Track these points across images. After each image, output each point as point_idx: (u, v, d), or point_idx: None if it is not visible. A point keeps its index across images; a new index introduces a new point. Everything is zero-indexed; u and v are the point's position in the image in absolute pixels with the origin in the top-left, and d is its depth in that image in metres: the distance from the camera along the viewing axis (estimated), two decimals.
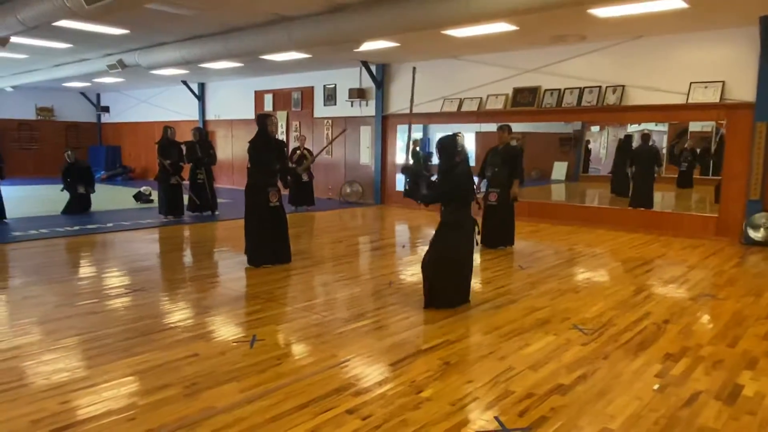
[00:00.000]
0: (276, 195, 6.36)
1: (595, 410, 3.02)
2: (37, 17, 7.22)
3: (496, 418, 2.92)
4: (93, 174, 10.88)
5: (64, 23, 8.37)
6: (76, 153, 11.16)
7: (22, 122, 19.47)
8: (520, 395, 3.18)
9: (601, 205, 10.75)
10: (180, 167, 10.25)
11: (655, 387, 3.33)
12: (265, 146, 6.38)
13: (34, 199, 12.72)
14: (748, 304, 5.11)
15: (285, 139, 14.93)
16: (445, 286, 4.78)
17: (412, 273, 6.32)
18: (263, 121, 6.42)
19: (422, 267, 4.85)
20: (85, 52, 11.63)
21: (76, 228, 8.93)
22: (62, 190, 10.62)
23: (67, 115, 20.42)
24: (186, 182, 10.43)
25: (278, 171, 6.43)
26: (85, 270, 6.44)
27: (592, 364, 3.67)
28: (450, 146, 4.81)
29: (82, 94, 20.33)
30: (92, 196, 10.92)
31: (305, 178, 11.56)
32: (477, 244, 4.96)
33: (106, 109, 20.66)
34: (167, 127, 10.43)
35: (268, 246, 6.33)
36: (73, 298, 5.09)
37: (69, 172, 10.61)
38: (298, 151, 11.59)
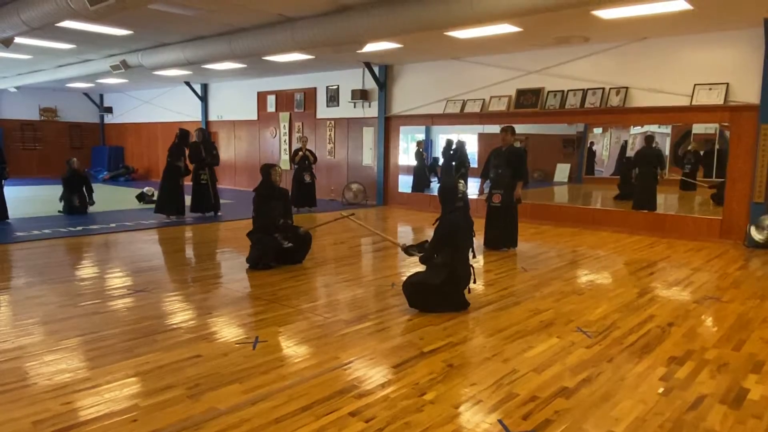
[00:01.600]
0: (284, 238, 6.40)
1: (600, 414, 3.00)
2: (40, 18, 7.23)
3: (499, 421, 2.90)
4: (91, 185, 10.84)
5: (67, 24, 8.38)
6: (79, 162, 11.14)
7: (26, 122, 19.51)
8: (524, 398, 3.16)
9: (604, 207, 10.72)
10: (188, 169, 10.36)
11: (660, 390, 3.31)
12: (269, 196, 6.43)
13: (37, 199, 12.73)
14: (753, 307, 5.08)
15: (288, 141, 14.96)
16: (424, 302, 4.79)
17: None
18: (267, 170, 6.50)
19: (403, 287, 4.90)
20: (89, 52, 11.66)
21: (79, 228, 8.93)
22: (61, 200, 10.57)
23: (71, 116, 20.47)
24: (188, 183, 10.45)
25: (281, 225, 6.42)
26: (88, 270, 6.44)
27: (597, 367, 3.65)
28: (450, 192, 4.84)
29: (86, 94, 20.37)
30: (94, 196, 10.90)
31: (308, 179, 11.56)
32: (468, 291, 4.90)
33: (109, 110, 20.71)
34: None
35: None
36: (76, 298, 5.08)
37: (69, 180, 10.58)
38: (300, 153, 11.59)
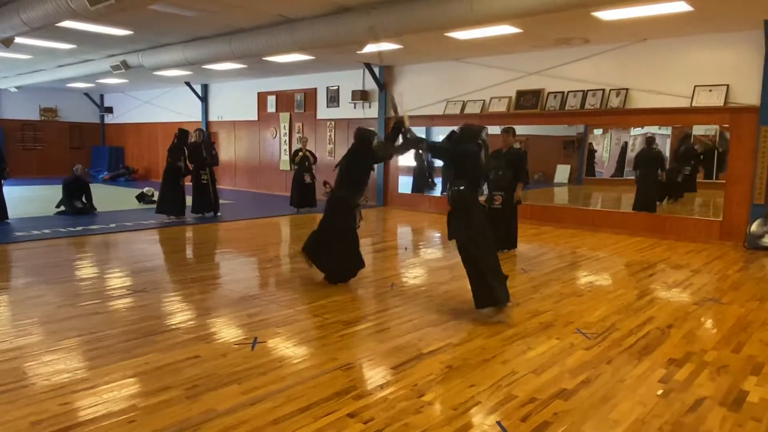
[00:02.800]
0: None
1: (599, 415, 3.00)
2: (41, 18, 7.24)
3: (498, 422, 2.89)
4: (91, 193, 10.83)
5: (67, 24, 8.38)
6: (83, 169, 11.14)
7: (26, 122, 19.52)
8: (523, 400, 3.16)
9: (604, 209, 10.72)
10: (188, 169, 10.34)
11: (659, 392, 3.30)
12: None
13: (37, 199, 12.73)
14: (753, 309, 5.08)
15: (288, 141, 14.95)
16: None
17: (414, 275, 6.30)
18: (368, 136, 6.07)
19: None
20: (89, 52, 11.66)
21: (79, 228, 8.93)
22: (57, 206, 10.50)
23: (71, 116, 20.48)
24: (188, 184, 10.45)
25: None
26: (87, 270, 6.44)
27: (596, 368, 3.64)
28: (473, 132, 4.74)
29: (86, 94, 20.38)
30: (94, 196, 10.89)
31: (308, 180, 11.56)
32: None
33: (110, 110, 20.72)
34: (187, 130, 10.54)
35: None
36: (75, 298, 5.08)
37: (69, 185, 10.56)
38: (300, 153, 11.58)
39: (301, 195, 11.56)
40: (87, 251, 7.57)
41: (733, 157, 8.49)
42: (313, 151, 12.22)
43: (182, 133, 10.31)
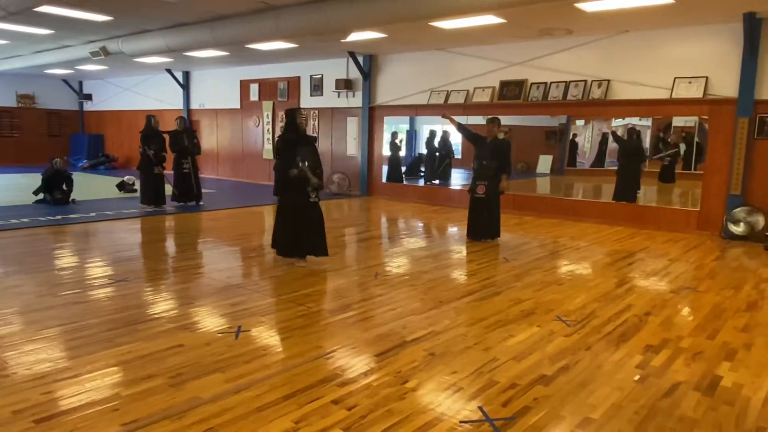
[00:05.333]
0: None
1: (577, 400, 3.06)
2: (18, 2, 7.10)
3: (480, 408, 2.95)
4: (73, 184, 10.65)
5: (45, 9, 8.21)
6: (63, 161, 10.94)
7: (3, 109, 19.10)
8: (504, 386, 3.22)
9: (585, 199, 10.84)
10: (163, 157, 10.17)
11: (636, 378, 3.38)
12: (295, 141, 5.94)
13: (14, 187, 12.51)
14: (728, 297, 5.20)
15: (271, 130, 14.85)
16: None
17: (398, 265, 6.34)
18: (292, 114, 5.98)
19: None
20: (68, 38, 11.44)
21: (58, 217, 8.81)
22: (35, 193, 10.31)
23: (49, 103, 20.08)
24: (169, 172, 10.34)
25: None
26: (68, 260, 6.37)
27: (575, 355, 3.72)
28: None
29: (65, 81, 19.99)
30: (73, 185, 10.74)
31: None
32: None
33: (89, 97, 20.35)
34: (150, 116, 10.35)
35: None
36: (56, 288, 5.03)
37: (50, 179, 10.37)
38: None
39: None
40: (67, 240, 7.48)
41: (711, 148, 8.63)
42: None
43: (147, 120, 10.21)
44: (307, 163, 5.76)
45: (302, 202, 5.89)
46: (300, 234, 5.91)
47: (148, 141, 10.04)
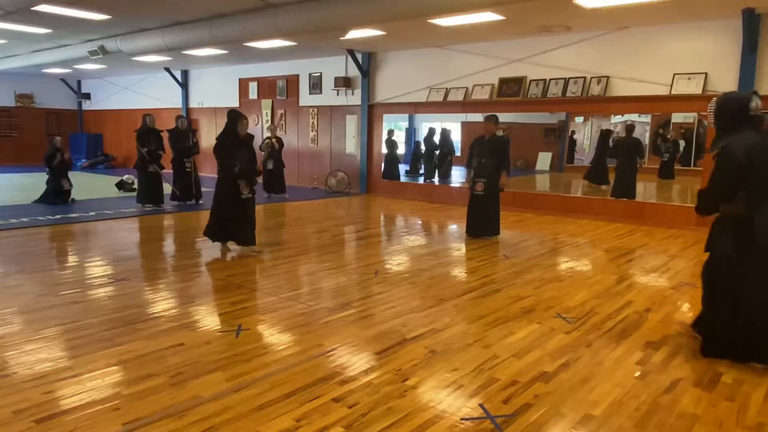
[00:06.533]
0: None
1: (578, 397, 3.07)
2: (16, 1, 7.08)
3: (480, 405, 2.95)
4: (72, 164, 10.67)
5: (43, 8, 8.20)
6: (62, 141, 10.89)
7: (1, 109, 19.07)
8: (505, 383, 3.22)
9: (584, 195, 10.85)
10: (159, 155, 10.16)
11: (637, 374, 3.39)
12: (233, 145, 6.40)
13: (13, 187, 12.50)
14: None
15: (276, 127, 14.82)
16: None
17: (398, 262, 6.34)
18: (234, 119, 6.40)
19: None
20: (66, 37, 11.42)
21: (58, 217, 8.80)
22: (42, 198, 10.21)
23: (48, 102, 20.05)
24: (166, 171, 10.31)
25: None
26: (68, 259, 6.36)
27: (575, 352, 3.72)
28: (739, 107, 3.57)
29: (63, 80, 19.96)
30: (72, 184, 10.73)
31: (270, 166, 11.57)
32: None
33: (88, 96, 20.31)
34: (146, 115, 10.36)
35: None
36: (56, 287, 5.03)
37: (50, 159, 10.34)
38: (267, 140, 11.57)
39: (270, 181, 11.81)
40: (66, 240, 7.48)
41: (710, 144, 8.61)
42: (281, 138, 12.42)
43: (142, 119, 10.23)
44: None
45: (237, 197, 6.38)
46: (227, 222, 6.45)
47: (144, 140, 10.03)
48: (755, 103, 3.52)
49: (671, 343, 3.90)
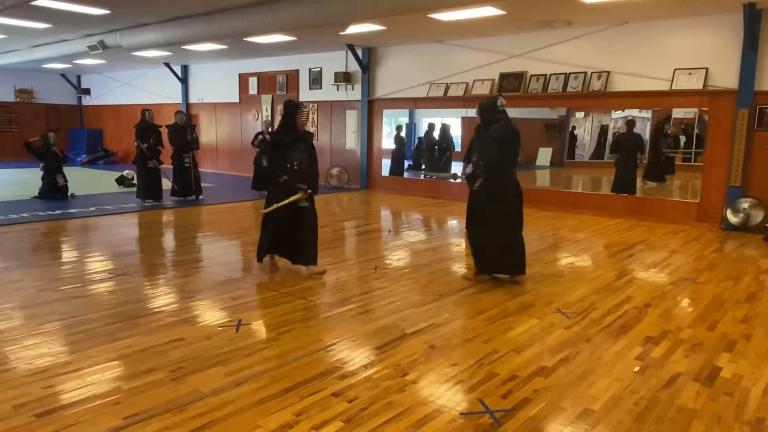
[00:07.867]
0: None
1: (577, 392, 3.07)
2: None
3: (480, 400, 2.95)
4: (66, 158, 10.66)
5: (42, 2, 8.18)
6: (56, 137, 10.85)
7: (1, 104, 19.05)
8: (504, 377, 3.23)
9: (585, 191, 10.84)
10: (158, 151, 10.15)
11: (636, 369, 3.39)
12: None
13: (13, 182, 12.50)
14: (727, 288, 5.21)
15: (271, 122, 14.81)
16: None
17: (398, 258, 6.34)
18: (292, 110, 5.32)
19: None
20: (65, 32, 11.39)
21: (58, 212, 8.80)
22: (39, 195, 10.19)
23: (47, 97, 20.02)
24: (165, 166, 10.30)
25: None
26: (68, 254, 6.37)
27: (575, 346, 3.72)
28: (491, 110, 5.18)
29: (63, 75, 19.92)
30: (72, 180, 10.72)
31: (264, 163, 11.45)
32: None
33: (87, 92, 20.27)
34: (145, 110, 10.35)
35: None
36: (56, 282, 5.03)
37: (41, 155, 10.31)
38: (260, 136, 11.32)
39: (258, 177, 11.57)
40: (66, 235, 7.48)
41: (710, 140, 8.62)
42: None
43: (141, 114, 10.24)
44: (302, 165, 5.27)
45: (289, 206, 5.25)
46: (280, 236, 5.40)
47: (143, 135, 10.02)
48: (500, 101, 5.15)
49: (671, 338, 3.91)
